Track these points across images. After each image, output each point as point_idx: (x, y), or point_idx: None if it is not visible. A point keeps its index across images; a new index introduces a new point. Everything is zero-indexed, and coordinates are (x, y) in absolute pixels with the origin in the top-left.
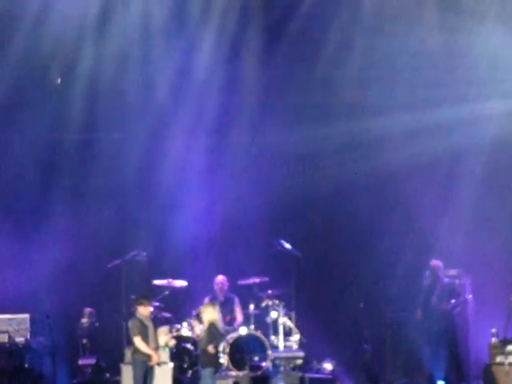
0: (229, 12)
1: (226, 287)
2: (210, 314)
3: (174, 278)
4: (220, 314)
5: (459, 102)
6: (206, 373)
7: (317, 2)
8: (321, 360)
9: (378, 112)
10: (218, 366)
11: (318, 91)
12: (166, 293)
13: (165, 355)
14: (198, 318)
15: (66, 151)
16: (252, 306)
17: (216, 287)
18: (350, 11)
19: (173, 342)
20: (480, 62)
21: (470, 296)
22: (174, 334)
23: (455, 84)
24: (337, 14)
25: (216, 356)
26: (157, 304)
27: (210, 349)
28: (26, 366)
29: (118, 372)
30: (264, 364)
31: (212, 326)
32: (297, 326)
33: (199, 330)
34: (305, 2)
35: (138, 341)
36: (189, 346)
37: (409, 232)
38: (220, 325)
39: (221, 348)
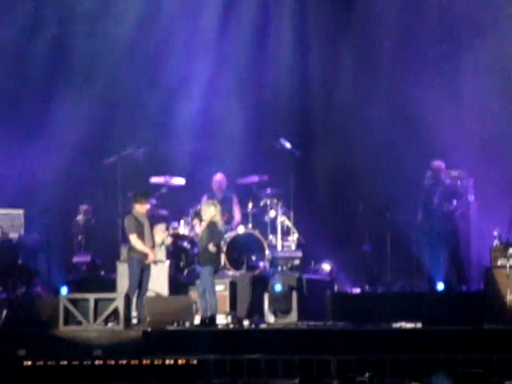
0: None
1: (224, 186)
2: (211, 212)
3: (172, 175)
4: (220, 213)
5: None
6: (205, 271)
7: None
8: (319, 261)
9: None
10: (217, 265)
11: None
12: (164, 190)
13: (161, 253)
14: (198, 216)
15: (61, 44)
16: (250, 205)
17: (214, 185)
18: None
19: (169, 240)
20: None
21: (473, 197)
22: (171, 232)
23: None
24: None
25: (216, 255)
26: (154, 201)
27: (211, 247)
28: (20, 262)
29: (113, 270)
30: (261, 264)
31: (212, 225)
32: (295, 225)
33: (199, 228)
34: None
35: (133, 238)
36: (185, 244)
37: (410, 132)
38: (220, 223)
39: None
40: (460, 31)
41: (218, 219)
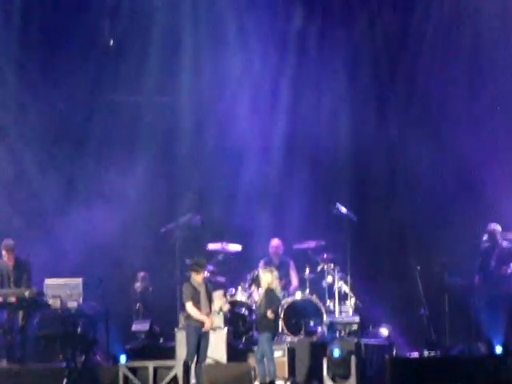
0: None
1: (281, 251)
2: (268, 278)
3: (229, 241)
4: (278, 279)
5: None
6: (263, 337)
7: None
8: (377, 325)
9: None
10: (275, 331)
11: None
12: (220, 257)
13: (219, 320)
14: (256, 282)
15: (118, 113)
16: (307, 270)
17: (271, 251)
18: None
19: (227, 307)
20: None
21: None
22: (229, 298)
23: None
24: None
25: (274, 321)
26: (211, 268)
27: (269, 314)
28: (79, 331)
29: (171, 337)
30: (319, 329)
31: (270, 291)
32: (352, 290)
33: (257, 295)
34: None
35: (189, 306)
36: (243, 310)
37: (467, 195)
38: (278, 290)
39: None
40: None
41: (276, 285)
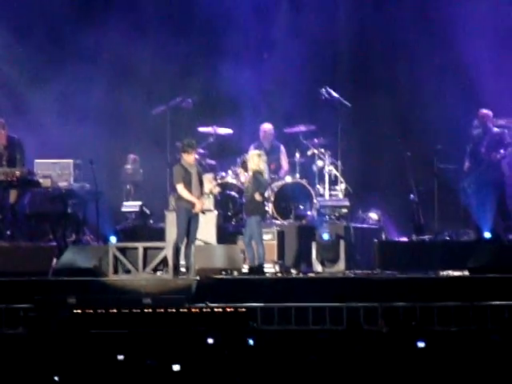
0: None
1: (271, 135)
2: (256, 161)
3: (220, 125)
4: (266, 163)
5: None
6: (252, 220)
7: None
8: (366, 210)
9: None
10: (263, 214)
11: None
12: (211, 140)
13: (209, 203)
14: (244, 165)
15: None
16: (298, 155)
17: (261, 135)
18: None
19: (217, 190)
20: None
21: None
22: (219, 181)
23: None
24: None
25: (262, 204)
26: (201, 151)
27: (257, 196)
28: (69, 211)
29: (161, 219)
30: (309, 213)
31: (258, 174)
32: (343, 175)
33: (244, 177)
34: None
35: (180, 188)
36: (233, 193)
37: (459, 81)
38: (266, 172)
39: (267, 196)
40: None
41: (263, 168)
